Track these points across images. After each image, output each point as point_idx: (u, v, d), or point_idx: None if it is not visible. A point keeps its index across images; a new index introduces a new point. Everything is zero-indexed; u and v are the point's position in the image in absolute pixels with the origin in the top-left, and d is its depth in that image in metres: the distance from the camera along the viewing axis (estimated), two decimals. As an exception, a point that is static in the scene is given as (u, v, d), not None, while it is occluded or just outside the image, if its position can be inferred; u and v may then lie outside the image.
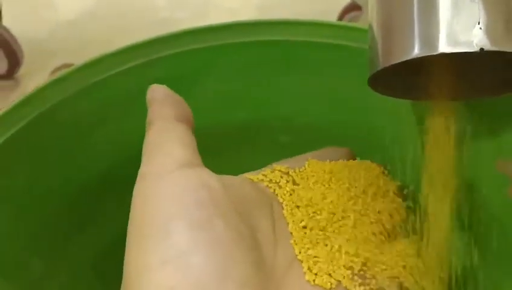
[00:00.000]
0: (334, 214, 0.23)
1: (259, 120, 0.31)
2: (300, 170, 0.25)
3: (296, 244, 0.22)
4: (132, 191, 0.28)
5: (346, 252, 0.22)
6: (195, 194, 0.18)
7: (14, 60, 0.73)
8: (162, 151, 0.20)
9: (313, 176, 0.25)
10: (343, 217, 0.23)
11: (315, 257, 0.21)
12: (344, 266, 0.21)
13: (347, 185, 0.25)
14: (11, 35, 0.73)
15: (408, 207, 0.26)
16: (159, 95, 0.22)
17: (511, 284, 0.26)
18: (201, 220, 0.18)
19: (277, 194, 0.23)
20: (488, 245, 0.26)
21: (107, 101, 0.28)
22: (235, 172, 0.28)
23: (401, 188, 0.27)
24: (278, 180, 0.24)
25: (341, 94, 0.29)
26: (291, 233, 0.22)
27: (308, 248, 0.22)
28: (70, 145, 0.27)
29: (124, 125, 0.28)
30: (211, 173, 0.20)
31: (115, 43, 0.26)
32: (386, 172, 0.27)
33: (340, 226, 0.23)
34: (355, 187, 0.25)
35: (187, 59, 0.27)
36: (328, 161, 0.26)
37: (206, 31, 0.27)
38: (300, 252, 0.21)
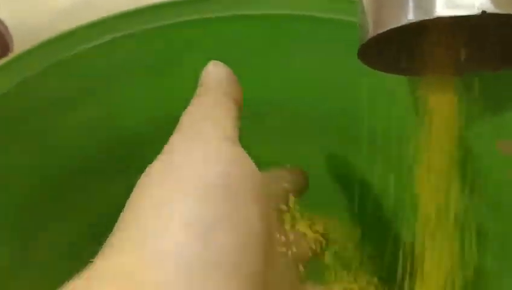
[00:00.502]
0: None
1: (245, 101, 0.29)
2: None
3: None
4: (114, 174, 0.26)
5: None
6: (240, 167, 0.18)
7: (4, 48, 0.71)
8: (217, 121, 0.19)
9: None
10: None
11: None
12: None
13: None
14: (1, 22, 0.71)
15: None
16: (218, 71, 0.22)
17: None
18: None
19: None
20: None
21: (85, 76, 0.26)
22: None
23: None
24: None
25: (331, 71, 0.27)
26: None
27: None
28: (42, 124, 0.25)
29: (102, 102, 0.27)
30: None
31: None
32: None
33: None
34: None
35: (165, 34, 0.26)
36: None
37: (186, 4, 0.25)
38: None
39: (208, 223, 0.15)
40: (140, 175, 0.17)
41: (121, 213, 0.16)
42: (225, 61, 0.27)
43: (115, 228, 0.16)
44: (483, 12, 0.16)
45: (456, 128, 0.22)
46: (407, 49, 0.21)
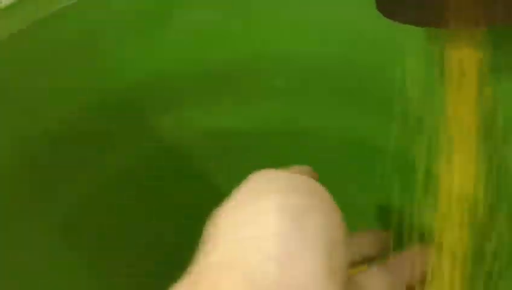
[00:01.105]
0: None
1: (244, 60, 0.27)
2: None
3: None
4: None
5: None
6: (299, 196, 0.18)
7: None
8: None
9: None
10: None
11: None
12: None
13: None
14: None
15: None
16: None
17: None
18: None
19: None
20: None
21: (71, 33, 0.24)
22: (216, 125, 0.24)
23: None
24: None
25: (341, 24, 0.25)
26: None
27: None
28: (25, 86, 0.23)
29: (88, 63, 0.24)
30: None
31: None
32: None
33: None
34: None
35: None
36: None
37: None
38: None
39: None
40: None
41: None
42: (223, 12, 0.25)
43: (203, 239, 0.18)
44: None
45: (480, 87, 0.20)
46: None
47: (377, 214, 0.30)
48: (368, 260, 0.25)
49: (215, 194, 0.33)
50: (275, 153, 0.31)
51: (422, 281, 0.22)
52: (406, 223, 0.23)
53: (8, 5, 0.23)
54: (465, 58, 0.19)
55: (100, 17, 0.23)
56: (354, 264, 0.24)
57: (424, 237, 0.23)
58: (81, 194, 0.28)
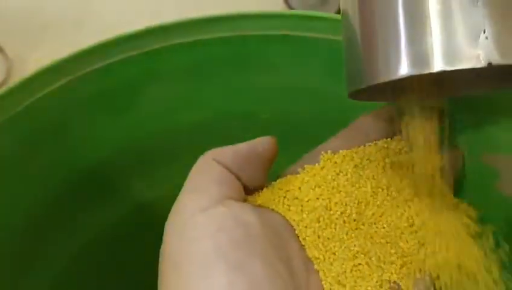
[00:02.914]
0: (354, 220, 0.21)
1: (215, 120, 0.28)
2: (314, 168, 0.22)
3: (320, 269, 0.21)
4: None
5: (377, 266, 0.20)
6: (230, 232, 0.19)
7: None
8: (196, 188, 0.20)
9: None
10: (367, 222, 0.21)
11: (339, 280, 0.20)
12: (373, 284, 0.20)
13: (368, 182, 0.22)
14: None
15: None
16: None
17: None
18: (237, 261, 0.18)
19: None
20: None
21: (43, 121, 0.24)
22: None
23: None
24: None
25: (304, 85, 0.26)
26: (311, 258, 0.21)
27: (332, 271, 0.21)
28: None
29: (59, 150, 0.24)
30: (245, 206, 0.20)
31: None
32: None
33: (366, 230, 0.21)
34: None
35: (124, 68, 0.23)
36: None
37: (145, 34, 0.22)
38: (326, 277, 0.21)
39: None
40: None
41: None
42: (190, 83, 0.26)
43: None
44: (489, 64, 0.15)
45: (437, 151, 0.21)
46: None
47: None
48: None
49: None
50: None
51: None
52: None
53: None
54: (424, 125, 0.21)
55: (73, 102, 0.23)
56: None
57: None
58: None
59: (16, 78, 0.22)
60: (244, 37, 0.23)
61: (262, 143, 0.22)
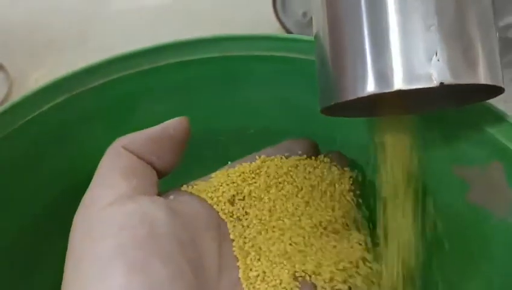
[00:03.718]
0: (280, 220, 0.23)
1: (205, 134, 0.29)
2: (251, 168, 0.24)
3: (239, 265, 0.21)
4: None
5: (291, 265, 0.21)
6: (133, 231, 0.18)
7: None
8: (104, 182, 0.19)
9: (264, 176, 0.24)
10: (288, 225, 0.23)
11: (257, 276, 0.21)
12: (288, 280, 0.21)
13: (297, 187, 0.24)
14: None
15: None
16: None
17: (467, 285, 0.26)
18: (137, 261, 0.17)
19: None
20: (446, 247, 0.26)
21: (43, 136, 0.25)
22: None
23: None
24: None
25: (290, 102, 0.28)
26: (235, 255, 0.21)
27: (251, 269, 0.21)
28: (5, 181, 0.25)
29: (59, 162, 0.26)
30: (156, 201, 0.19)
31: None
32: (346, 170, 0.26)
33: (283, 234, 0.23)
34: (306, 189, 0.24)
35: (119, 86, 0.25)
36: (281, 156, 0.25)
37: (140, 55, 0.24)
38: (244, 273, 0.21)
39: None
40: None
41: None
42: (182, 100, 0.27)
43: None
44: (441, 84, 0.16)
45: (410, 163, 0.23)
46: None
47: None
48: None
49: None
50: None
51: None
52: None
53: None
54: (396, 139, 0.23)
55: (72, 117, 0.25)
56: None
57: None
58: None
59: (17, 95, 0.24)
60: (231, 57, 0.25)
61: (174, 124, 0.21)
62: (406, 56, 0.17)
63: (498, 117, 0.22)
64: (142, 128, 0.27)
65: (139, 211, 0.18)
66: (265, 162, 0.25)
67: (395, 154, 0.23)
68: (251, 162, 0.24)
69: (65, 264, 0.18)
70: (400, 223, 0.24)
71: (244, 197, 0.23)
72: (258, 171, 0.24)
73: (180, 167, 0.30)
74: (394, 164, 0.23)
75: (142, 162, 0.20)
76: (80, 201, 0.28)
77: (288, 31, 0.52)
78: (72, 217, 0.29)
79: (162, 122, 0.28)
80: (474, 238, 0.25)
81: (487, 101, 0.21)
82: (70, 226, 0.28)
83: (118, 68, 0.24)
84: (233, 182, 0.23)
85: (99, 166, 0.20)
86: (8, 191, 0.25)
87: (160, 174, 0.22)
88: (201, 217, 0.21)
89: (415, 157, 0.23)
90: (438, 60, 0.16)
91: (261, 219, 0.23)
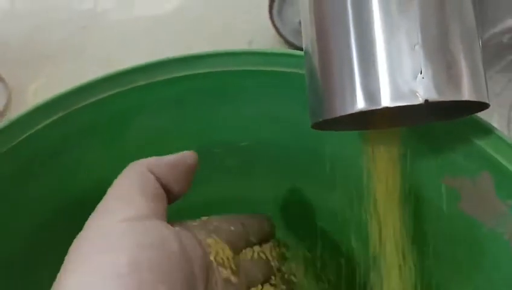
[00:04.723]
0: None
1: (199, 148, 0.30)
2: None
3: None
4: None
5: None
6: (150, 252, 0.18)
7: None
8: (123, 196, 0.20)
9: None
10: None
11: None
12: None
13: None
14: None
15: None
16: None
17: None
18: (148, 283, 0.17)
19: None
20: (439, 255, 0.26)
21: (39, 153, 0.25)
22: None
23: None
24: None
25: (281, 116, 0.28)
26: None
27: None
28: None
29: (55, 179, 0.26)
30: (170, 228, 0.20)
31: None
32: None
33: None
34: None
35: (114, 102, 0.25)
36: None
37: (134, 72, 0.25)
38: None
39: None
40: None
41: None
42: (174, 115, 0.28)
43: None
44: (426, 101, 0.17)
45: (400, 175, 0.24)
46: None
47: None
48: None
49: None
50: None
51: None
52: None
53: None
54: (385, 152, 0.23)
55: (69, 133, 0.25)
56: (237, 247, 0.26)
57: None
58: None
59: (16, 107, 0.24)
60: (223, 72, 0.26)
61: (190, 156, 0.23)
62: (392, 74, 0.17)
63: (486, 130, 0.22)
64: (136, 145, 0.28)
65: (158, 234, 0.19)
66: None
67: (385, 165, 0.23)
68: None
69: (65, 265, 0.18)
70: (393, 229, 0.25)
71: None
72: None
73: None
74: (384, 175, 0.24)
75: (160, 187, 0.21)
76: (76, 217, 0.29)
77: (284, 39, 0.52)
78: (69, 234, 0.30)
79: (156, 138, 0.29)
80: (464, 247, 0.26)
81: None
82: (67, 244, 0.29)
83: (112, 85, 0.25)
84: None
85: (117, 181, 0.21)
86: (6, 206, 0.25)
87: (171, 200, 0.22)
88: (198, 256, 0.22)
89: (405, 167, 0.23)
90: (423, 78, 0.17)
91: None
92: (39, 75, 0.58)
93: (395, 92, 0.17)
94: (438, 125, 0.23)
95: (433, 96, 0.17)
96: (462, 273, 0.26)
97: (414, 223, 0.25)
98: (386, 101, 0.17)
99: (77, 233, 0.29)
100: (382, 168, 0.23)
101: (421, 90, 0.17)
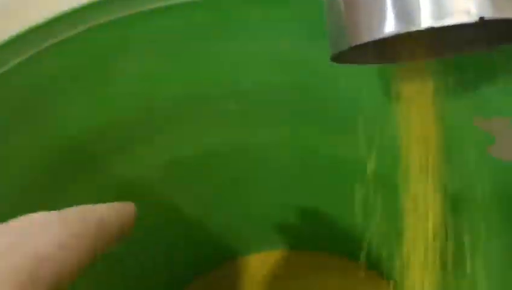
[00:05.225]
0: None
1: (197, 92, 0.27)
2: None
3: None
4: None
5: None
6: None
7: None
8: None
9: None
10: None
11: None
12: None
13: None
14: None
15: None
16: None
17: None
18: None
19: None
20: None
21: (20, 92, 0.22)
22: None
23: None
24: None
25: (286, 54, 0.25)
26: None
27: None
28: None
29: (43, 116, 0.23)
30: None
31: None
32: None
33: None
34: None
35: (93, 41, 0.22)
36: None
37: (110, 2, 0.21)
38: None
39: None
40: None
41: None
42: (165, 53, 0.24)
43: None
44: (481, 18, 0.13)
45: (433, 113, 0.20)
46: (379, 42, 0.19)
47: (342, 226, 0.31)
48: None
49: (177, 223, 0.34)
50: (237, 174, 0.31)
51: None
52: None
53: None
54: (416, 88, 0.20)
55: (43, 76, 0.22)
56: None
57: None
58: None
59: None
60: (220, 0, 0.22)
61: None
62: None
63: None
64: (121, 92, 0.24)
65: None
66: None
67: (413, 106, 0.20)
68: None
69: None
70: (423, 182, 0.22)
71: None
72: None
73: (168, 131, 0.28)
74: (413, 118, 0.21)
75: None
76: (60, 166, 0.26)
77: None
78: (53, 188, 0.27)
79: (144, 82, 0.25)
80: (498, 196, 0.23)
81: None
82: (51, 197, 0.26)
83: (87, 17, 0.21)
84: None
85: None
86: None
87: None
88: None
89: (437, 109, 0.20)
90: (476, -9, 0.13)
91: None
92: None
93: (441, 9, 0.13)
94: (471, 57, 0.20)
95: (490, 13, 0.13)
96: (492, 226, 0.23)
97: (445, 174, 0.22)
98: (428, 20, 0.14)
99: (62, 182, 0.26)
100: (409, 109, 0.20)
101: (474, 5, 0.13)
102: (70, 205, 0.27)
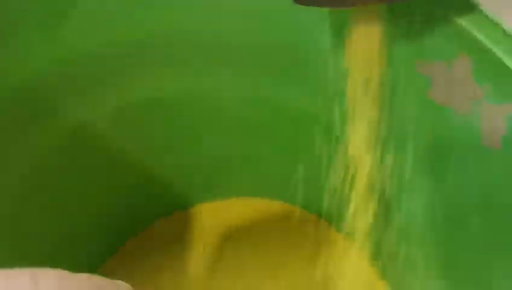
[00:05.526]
0: None
1: (159, 36, 0.27)
2: None
3: None
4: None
5: None
6: None
7: None
8: None
9: None
10: None
11: None
12: None
13: None
14: None
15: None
16: None
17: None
18: None
19: None
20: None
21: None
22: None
23: None
24: None
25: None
26: None
27: None
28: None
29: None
30: None
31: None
32: None
33: None
34: None
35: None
36: None
37: None
38: None
39: None
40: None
41: None
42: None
43: None
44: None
45: (381, 56, 0.22)
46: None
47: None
48: None
49: (160, 164, 0.34)
50: (191, 123, 0.32)
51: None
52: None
53: None
54: (367, 32, 0.21)
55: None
56: None
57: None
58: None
59: None
60: None
61: None
62: None
63: (470, 7, 0.21)
64: (80, 32, 0.24)
65: None
66: None
67: (361, 49, 0.22)
68: None
69: None
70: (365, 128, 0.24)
71: None
72: None
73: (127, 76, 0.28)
74: (359, 61, 0.22)
75: None
76: (15, 110, 0.26)
77: None
78: (12, 131, 0.26)
79: (105, 22, 0.25)
80: (435, 137, 0.25)
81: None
82: (10, 140, 0.26)
83: None
84: None
85: None
86: None
87: None
88: None
89: (385, 51, 0.22)
90: None
91: None
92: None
93: None
94: (415, 4, 0.22)
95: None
96: (429, 162, 0.26)
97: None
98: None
99: (17, 125, 0.26)
100: (361, 50, 0.21)
101: None
102: (30, 145, 0.28)
